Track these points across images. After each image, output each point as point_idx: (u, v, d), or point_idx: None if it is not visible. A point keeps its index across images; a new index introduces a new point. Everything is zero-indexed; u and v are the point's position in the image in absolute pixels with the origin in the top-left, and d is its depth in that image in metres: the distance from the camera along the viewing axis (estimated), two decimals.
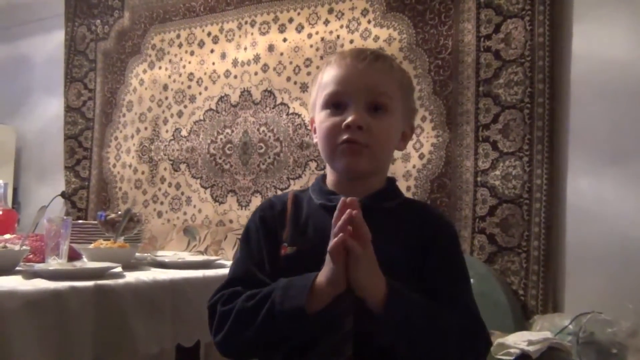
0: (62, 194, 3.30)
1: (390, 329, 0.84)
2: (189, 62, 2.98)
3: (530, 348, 1.58)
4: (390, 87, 0.97)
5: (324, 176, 1.04)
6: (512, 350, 1.61)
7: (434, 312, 0.87)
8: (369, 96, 0.95)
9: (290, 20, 2.69)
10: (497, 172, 2.15)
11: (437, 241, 0.95)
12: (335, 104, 0.97)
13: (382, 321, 0.83)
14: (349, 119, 0.93)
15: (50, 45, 3.58)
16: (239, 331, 0.89)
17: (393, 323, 0.84)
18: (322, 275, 0.85)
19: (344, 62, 0.98)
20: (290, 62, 2.68)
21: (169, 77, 3.04)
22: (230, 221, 2.79)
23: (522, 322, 1.97)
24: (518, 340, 1.64)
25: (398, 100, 0.98)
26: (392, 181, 1.04)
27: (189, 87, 2.97)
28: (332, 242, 0.83)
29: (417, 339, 0.84)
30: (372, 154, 0.95)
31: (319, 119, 0.99)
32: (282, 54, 2.70)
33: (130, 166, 3.15)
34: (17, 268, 1.39)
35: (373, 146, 0.94)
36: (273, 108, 2.71)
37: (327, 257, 0.85)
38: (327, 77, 0.99)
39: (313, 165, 2.58)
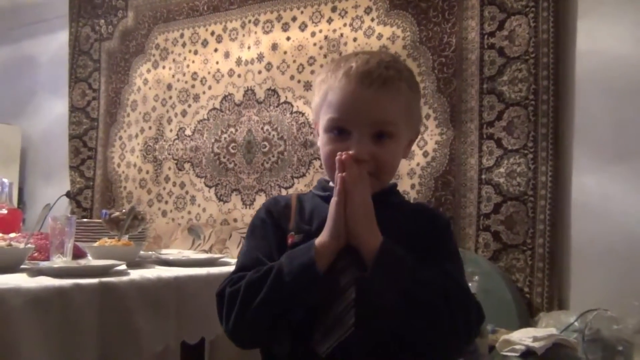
0: (67, 194, 3.31)
1: (382, 277, 0.86)
2: (193, 62, 2.99)
3: (536, 344, 1.58)
4: (397, 115, 0.95)
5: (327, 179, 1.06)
6: (517, 347, 1.61)
7: (424, 269, 0.89)
8: (374, 127, 0.94)
9: (294, 19, 2.69)
10: (502, 170, 2.15)
11: (432, 230, 0.98)
12: (338, 129, 0.96)
13: (374, 268, 0.86)
14: (352, 152, 0.91)
15: (54, 45, 3.60)
16: (249, 302, 0.88)
17: (384, 269, 0.86)
18: (323, 234, 0.90)
19: (350, 88, 0.93)
20: (294, 61, 2.68)
21: (173, 76, 3.05)
22: (235, 220, 2.79)
23: (527, 319, 1.96)
24: (523, 336, 1.64)
25: (404, 122, 0.97)
26: (393, 185, 1.07)
27: (193, 86, 2.98)
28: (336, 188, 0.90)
29: (405, 291, 0.86)
30: (377, 179, 0.96)
31: (322, 140, 0.99)
32: (285, 52, 2.70)
33: (134, 165, 3.16)
34: (22, 266, 1.39)
35: (377, 173, 0.95)
36: (277, 107, 2.71)
37: (328, 214, 0.90)
38: (332, 97, 0.96)
39: (317, 163, 2.58)
